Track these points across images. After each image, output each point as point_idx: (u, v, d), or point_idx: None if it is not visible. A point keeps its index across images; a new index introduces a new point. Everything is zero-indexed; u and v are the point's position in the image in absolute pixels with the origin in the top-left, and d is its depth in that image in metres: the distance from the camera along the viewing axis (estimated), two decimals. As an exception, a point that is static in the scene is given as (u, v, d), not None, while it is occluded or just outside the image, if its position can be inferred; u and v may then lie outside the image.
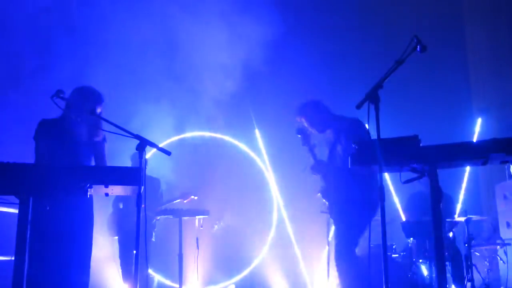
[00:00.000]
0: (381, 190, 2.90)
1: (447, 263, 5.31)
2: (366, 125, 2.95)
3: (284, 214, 7.46)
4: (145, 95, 6.28)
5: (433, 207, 2.87)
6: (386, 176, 6.76)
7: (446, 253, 5.35)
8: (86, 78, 5.19)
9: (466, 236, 5.67)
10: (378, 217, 3.03)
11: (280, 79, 7.14)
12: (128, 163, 5.78)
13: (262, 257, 7.27)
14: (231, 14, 6.24)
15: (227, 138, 7.53)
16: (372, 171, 3.11)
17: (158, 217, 5.78)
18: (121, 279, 5.78)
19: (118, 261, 5.83)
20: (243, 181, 7.19)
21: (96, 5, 6.16)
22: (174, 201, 6.00)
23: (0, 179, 2.93)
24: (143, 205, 3.24)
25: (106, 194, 3.30)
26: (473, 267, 5.59)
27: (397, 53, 2.96)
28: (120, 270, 5.81)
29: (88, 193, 3.10)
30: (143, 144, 3.33)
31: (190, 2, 6.39)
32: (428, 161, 2.89)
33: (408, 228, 5.85)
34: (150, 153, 4.34)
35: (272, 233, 7.39)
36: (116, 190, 3.32)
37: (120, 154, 5.45)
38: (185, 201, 6.01)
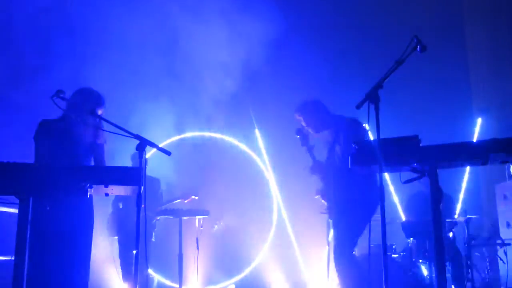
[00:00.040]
0: (381, 190, 2.90)
1: (447, 263, 5.31)
2: (366, 125, 2.95)
3: (284, 214, 7.46)
4: (144, 94, 6.28)
5: (433, 207, 2.87)
6: (386, 176, 6.76)
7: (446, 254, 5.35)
8: (86, 77, 5.20)
9: (466, 236, 5.67)
10: (378, 217, 3.02)
11: (281, 79, 7.14)
12: (128, 163, 5.78)
13: (262, 257, 7.27)
14: (231, 12, 6.23)
15: (227, 138, 7.53)
16: (372, 171, 3.11)
17: (159, 217, 5.78)
18: (121, 279, 5.78)
19: (118, 261, 5.83)
20: (243, 181, 7.19)
21: (95, 4, 6.15)
22: (175, 201, 6.01)
23: (0, 179, 2.93)
24: (143, 205, 3.24)
25: (106, 194, 3.30)
26: (473, 267, 5.59)
27: (397, 52, 2.96)
28: (120, 270, 5.81)
29: (88, 193, 3.10)
30: (143, 144, 3.33)
31: (190, 0, 6.39)
32: (428, 161, 2.89)
33: (408, 228, 5.85)
34: (150, 153, 4.33)
35: (272, 233, 7.39)
36: (116, 190, 3.32)
37: (120, 154, 5.46)
38: (186, 201, 6.01)
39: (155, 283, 6.75)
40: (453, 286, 5.47)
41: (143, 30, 6.10)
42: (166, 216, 5.69)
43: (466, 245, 5.64)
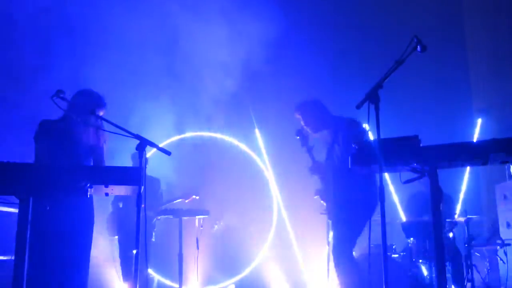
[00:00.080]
0: (381, 190, 2.90)
1: (447, 263, 5.31)
2: (366, 125, 2.95)
3: (284, 214, 7.46)
4: (144, 93, 6.28)
5: (433, 207, 2.87)
6: (386, 176, 6.76)
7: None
8: (85, 76, 5.20)
9: (466, 236, 5.67)
10: (378, 217, 3.02)
11: (281, 78, 7.14)
12: (128, 162, 5.78)
13: (262, 257, 7.27)
14: (231, 12, 6.23)
15: (227, 138, 7.53)
16: (372, 171, 3.11)
17: (159, 217, 5.78)
18: (121, 279, 5.78)
19: (118, 261, 5.83)
20: (243, 181, 7.18)
21: (95, 4, 6.15)
22: (176, 201, 6.01)
23: (0, 179, 2.93)
24: (143, 205, 3.24)
25: (106, 194, 3.30)
26: (473, 267, 5.59)
27: (397, 52, 2.96)
28: (120, 270, 5.81)
29: (88, 193, 3.10)
30: (143, 144, 3.33)
31: (189, -1, 6.40)
32: (428, 161, 2.89)
33: (408, 228, 5.85)
34: (150, 153, 4.33)
35: (272, 233, 7.39)
36: (116, 190, 3.31)
37: (120, 154, 5.46)
38: (186, 201, 6.01)
39: (155, 283, 6.75)
40: (453, 286, 5.47)
41: (143, 30, 6.09)
42: (166, 216, 5.68)
43: (466, 245, 5.64)
